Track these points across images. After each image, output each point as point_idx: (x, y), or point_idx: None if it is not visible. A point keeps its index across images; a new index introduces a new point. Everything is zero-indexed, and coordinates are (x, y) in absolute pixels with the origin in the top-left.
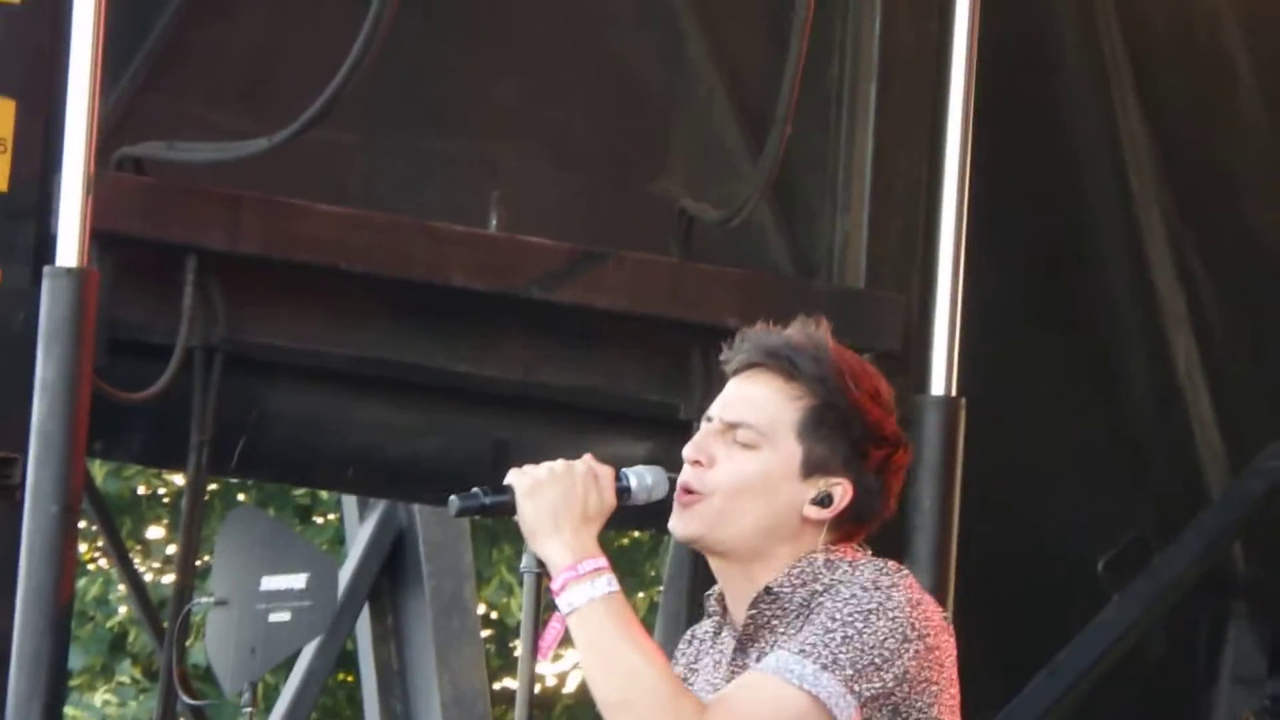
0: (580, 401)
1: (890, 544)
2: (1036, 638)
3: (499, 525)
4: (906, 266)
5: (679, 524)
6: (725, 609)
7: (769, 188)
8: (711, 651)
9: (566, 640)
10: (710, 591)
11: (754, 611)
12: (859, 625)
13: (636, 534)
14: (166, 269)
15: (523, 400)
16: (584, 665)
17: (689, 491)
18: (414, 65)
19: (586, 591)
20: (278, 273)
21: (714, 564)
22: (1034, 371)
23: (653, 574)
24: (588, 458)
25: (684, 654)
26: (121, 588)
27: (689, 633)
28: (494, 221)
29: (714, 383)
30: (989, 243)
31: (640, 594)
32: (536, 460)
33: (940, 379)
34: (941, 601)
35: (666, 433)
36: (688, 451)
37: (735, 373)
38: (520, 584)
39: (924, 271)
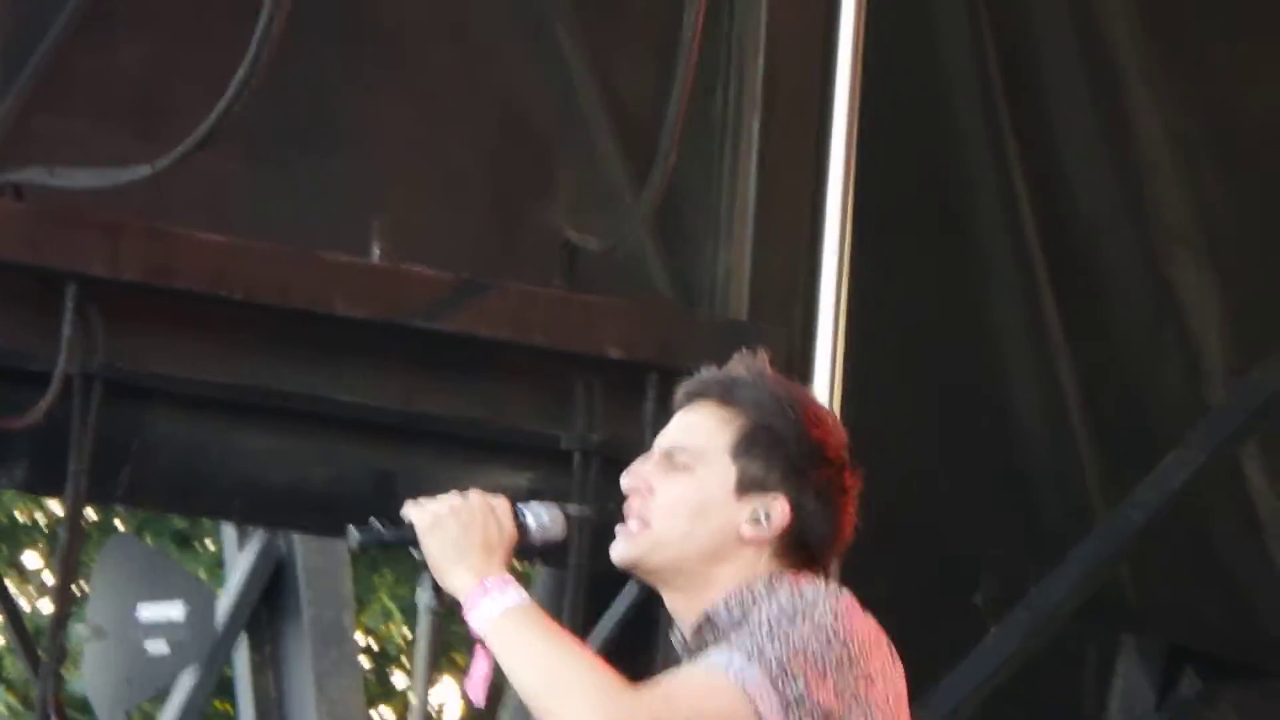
0: (463, 431)
1: None
2: (916, 670)
3: (381, 552)
4: (789, 298)
5: (617, 551)
6: (683, 637)
7: (652, 218)
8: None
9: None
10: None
11: (698, 637)
12: (785, 625)
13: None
14: (46, 295)
15: (406, 430)
16: (510, 672)
17: (636, 518)
18: (299, 92)
19: (498, 603)
20: (159, 300)
21: (666, 597)
22: (919, 401)
23: None
24: (475, 491)
25: None
26: None
27: None
28: (376, 250)
29: (596, 412)
30: (875, 271)
31: None
32: (421, 491)
33: None
34: None
35: (548, 462)
36: (625, 482)
37: (677, 408)
38: (400, 610)
39: (806, 303)
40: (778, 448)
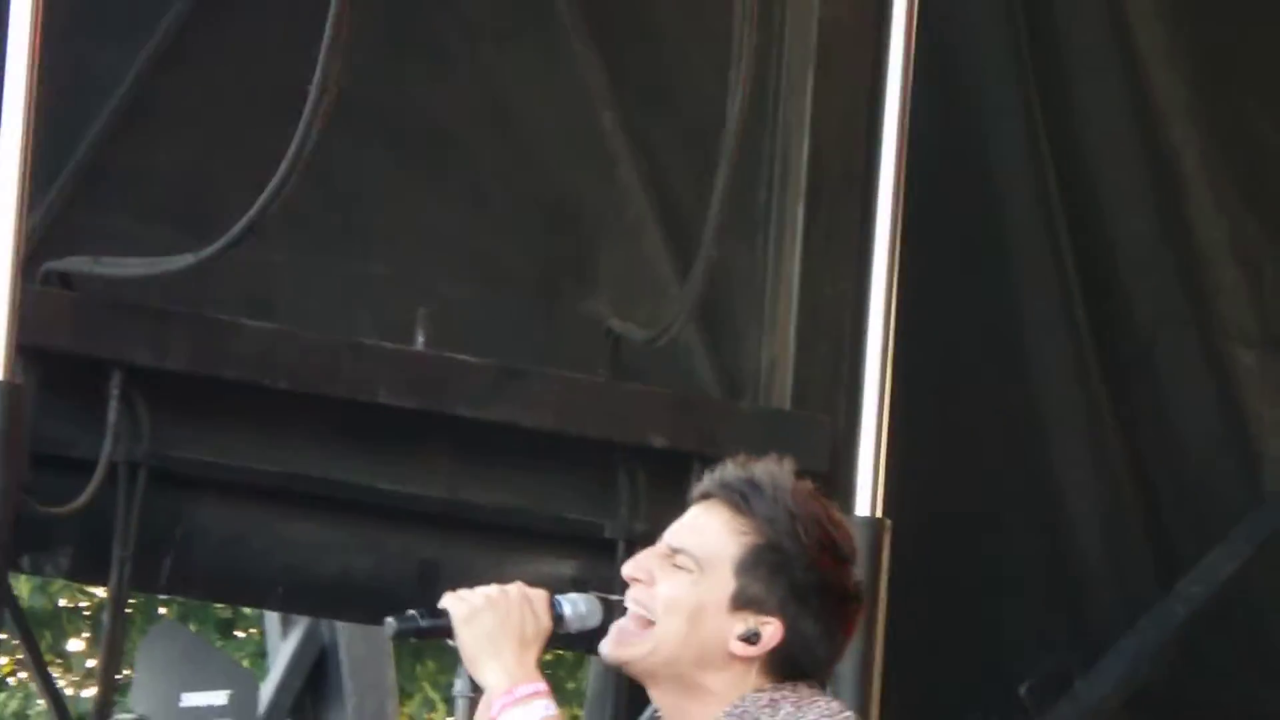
0: (506, 520)
1: None
2: None
3: (423, 642)
4: (833, 388)
5: (611, 648)
6: None
7: (695, 309)
8: None
9: None
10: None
11: None
12: None
13: (559, 650)
14: (92, 383)
15: (449, 519)
16: None
17: (638, 607)
18: (342, 186)
19: (524, 716)
20: (204, 388)
21: (653, 698)
22: (966, 489)
23: (571, 687)
24: (519, 584)
25: None
26: (41, 702)
27: None
28: (421, 339)
29: (640, 502)
30: (921, 360)
31: (563, 708)
32: (464, 580)
33: (865, 500)
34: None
35: (592, 552)
36: (627, 570)
37: (694, 501)
38: (443, 700)
39: (850, 393)
40: (782, 571)
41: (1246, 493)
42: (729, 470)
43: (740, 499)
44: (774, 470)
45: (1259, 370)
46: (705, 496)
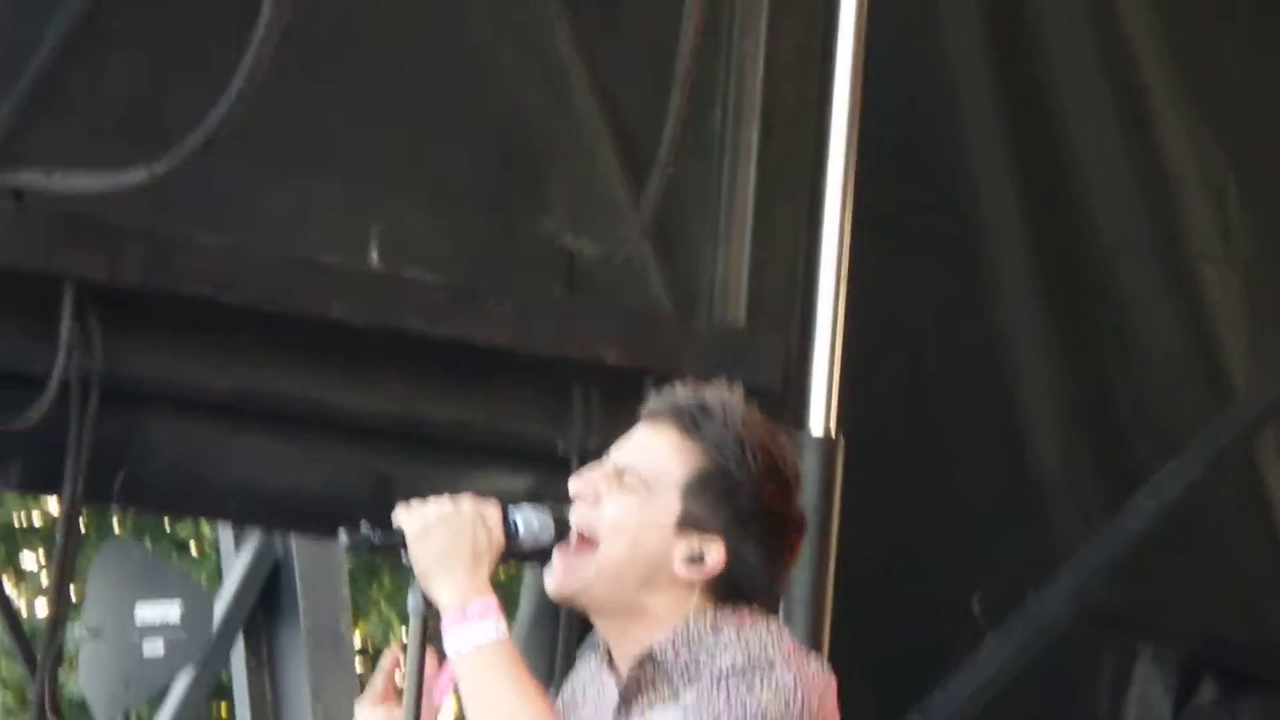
0: (461, 436)
1: None
2: (913, 675)
3: (379, 559)
4: (787, 306)
5: (554, 584)
6: (610, 657)
7: (650, 227)
8: (591, 688)
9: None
10: (590, 641)
11: (636, 672)
12: (742, 691)
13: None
14: (44, 299)
15: (404, 435)
16: (467, 709)
17: (580, 539)
18: (295, 106)
19: (473, 636)
20: (157, 304)
21: (597, 625)
22: (920, 408)
23: None
24: (470, 497)
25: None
26: None
27: (571, 674)
28: (375, 256)
29: (594, 418)
30: (874, 279)
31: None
32: (419, 495)
33: (819, 419)
34: (817, 638)
35: (546, 468)
36: (573, 486)
37: (643, 420)
38: (399, 617)
39: (804, 312)
40: (728, 496)
41: (1207, 410)
42: (680, 393)
43: (690, 422)
44: (725, 396)
45: (1221, 289)
46: (654, 416)
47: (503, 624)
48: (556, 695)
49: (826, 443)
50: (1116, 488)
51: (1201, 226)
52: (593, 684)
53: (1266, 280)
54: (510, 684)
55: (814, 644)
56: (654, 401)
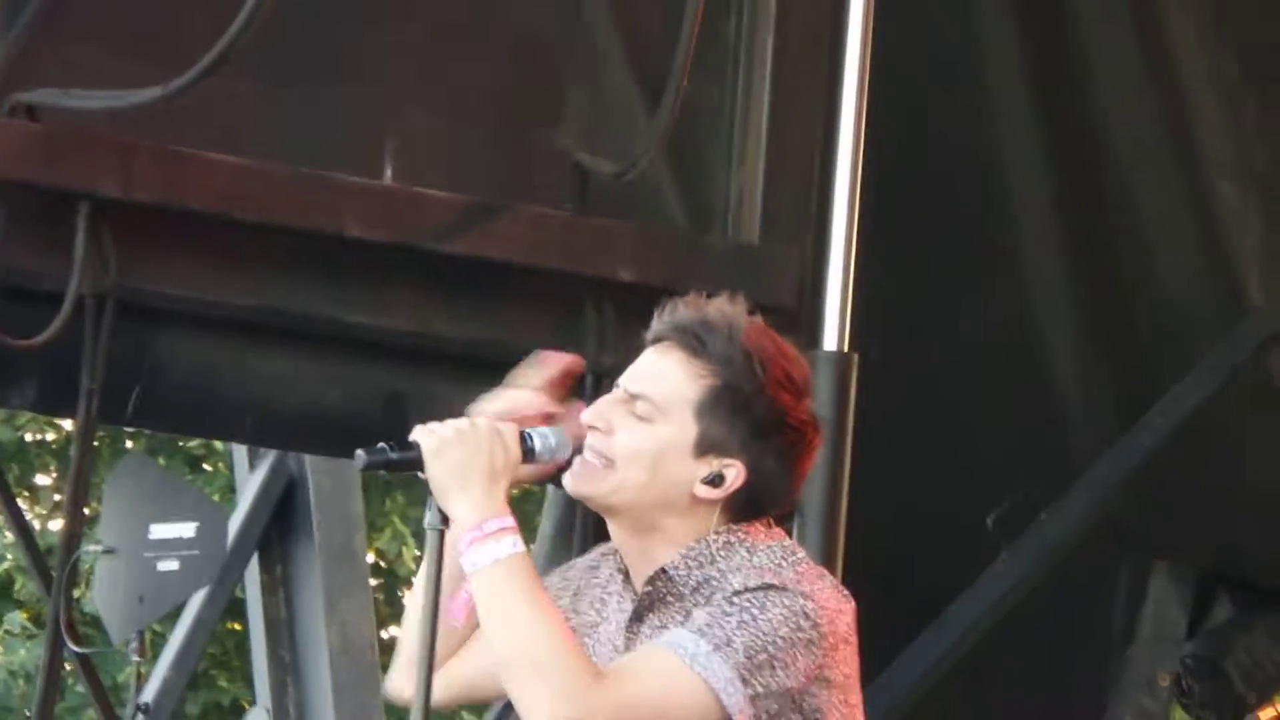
0: (475, 353)
1: None
2: (928, 589)
3: (392, 475)
4: (801, 222)
5: (574, 483)
6: (626, 570)
7: (664, 142)
8: (611, 599)
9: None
10: (608, 547)
11: (649, 588)
12: (754, 611)
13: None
14: (59, 216)
15: (418, 351)
16: (484, 624)
17: (597, 455)
18: (311, 20)
19: (491, 552)
20: (171, 221)
21: (613, 530)
22: (934, 321)
23: (540, 523)
24: (488, 417)
25: (564, 578)
26: (8, 534)
27: (570, 563)
28: (389, 172)
29: (607, 335)
30: (890, 193)
31: (532, 545)
32: (433, 412)
33: (833, 334)
34: (833, 555)
35: None
36: (587, 416)
37: (650, 344)
38: (412, 534)
39: (819, 226)
40: (742, 411)
41: (1223, 324)
42: (681, 312)
43: (696, 341)
44: (727, 309)
45: (1238, 202)
46: (659, 340)
47: (519, 541)
48: (568, 590)
49: (841, 358)
50: (1133, 403)
51: (1218, 142)
52: (610, 599)
53: None
54: (527, 600)
55: (829, 559)
56: (657, 325)
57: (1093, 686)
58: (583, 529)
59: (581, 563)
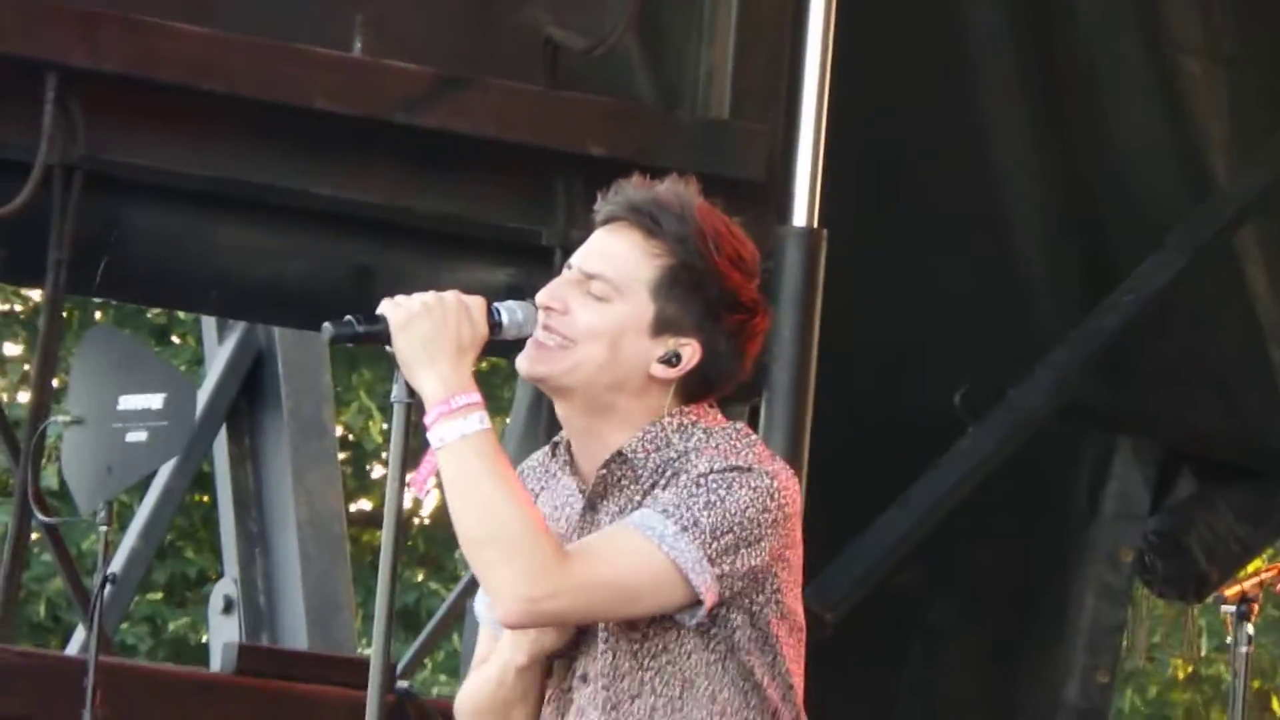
0: (443, 227)
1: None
2: (893, 467)
3: (359, 349)
4: (771, 98)
5: (529, 365)
6: (572, 459)
7: (634, 18)
8: (560, 490)
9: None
10: (559, 438)
11: (604, 472)
12: (721, 492)
13: (494, 359)
14: (26, 86)
15: (386, 225)
16: (449, 500)
17: (550, 333)
18: None
19: (457, 427)
20: (139, 92)
21: (562, 415)
22: (902, 197)
23: (509, 397)
24: (455, 291)
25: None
26: None
27: (519, 467)
28: (358, 45)
29: (576, 209)
30: (859, 70)
31: (496, 418)
32: (400, 286)
33: (802, 210)
34: (800, 431)
35: (529, 259)
36: (542, 298)
37: (601, 224)
38: (379, 408)
39: (789, 102)
40: (696, 290)
41: (1189, 202)
42: (633, 192)
43: (650, 221)
44: (678, 189)
45: (1205, 81)
46: (612, 219)
47: (485, 416)
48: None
49: (809, 234)
50: (1098, 282)
51: (1184, 19)
52: (550, 488)
53: (1250, 74)
54: (492, 475)
55: (797, 435)
56: (609, 204)
57: (1057, 562)
58: (550, 408)
59: (530, 464)
